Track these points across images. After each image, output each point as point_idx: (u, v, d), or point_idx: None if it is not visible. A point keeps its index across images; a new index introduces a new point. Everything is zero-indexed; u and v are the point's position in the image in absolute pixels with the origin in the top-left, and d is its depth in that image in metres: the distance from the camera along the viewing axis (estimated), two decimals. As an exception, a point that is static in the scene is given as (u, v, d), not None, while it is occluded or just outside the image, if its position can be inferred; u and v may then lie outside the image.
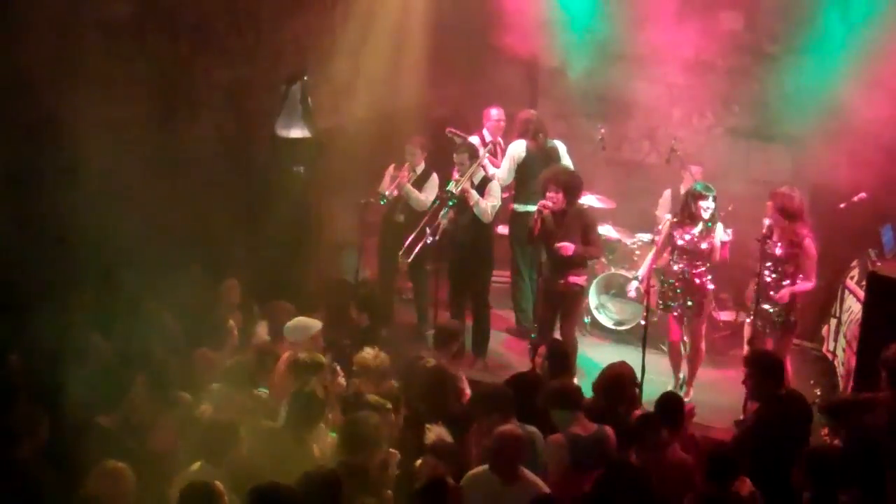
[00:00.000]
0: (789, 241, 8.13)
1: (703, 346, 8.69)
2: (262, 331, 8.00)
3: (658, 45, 10.66)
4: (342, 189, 10.15)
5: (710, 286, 8.54)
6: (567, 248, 8.37)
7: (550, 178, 8.61)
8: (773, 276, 8.18)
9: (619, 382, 6.84)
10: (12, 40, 7.26)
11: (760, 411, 6.74)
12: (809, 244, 8.14)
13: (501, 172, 9.48)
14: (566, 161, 9.56)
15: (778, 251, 8.14)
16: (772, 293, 8.17)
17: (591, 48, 11.04)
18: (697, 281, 8.44)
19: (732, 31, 10.69)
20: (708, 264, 8.45)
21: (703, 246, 8.40)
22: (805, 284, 8.18)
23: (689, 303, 8.48)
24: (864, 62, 9.61)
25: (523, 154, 9.45)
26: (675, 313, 8.59)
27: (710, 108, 10.96)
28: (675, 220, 8.57)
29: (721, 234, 8.46)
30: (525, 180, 9.48)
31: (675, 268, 8.49)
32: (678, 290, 8.49)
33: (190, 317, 7.73)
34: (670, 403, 6.46)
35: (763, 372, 6.69)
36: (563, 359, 7.25)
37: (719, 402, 8.44)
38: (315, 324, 7.42)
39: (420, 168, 9.54)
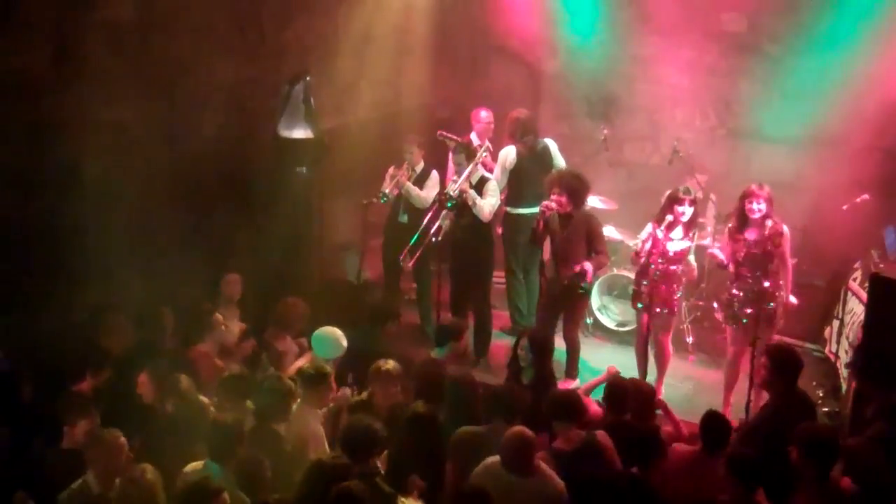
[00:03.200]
0: (770, 234, 8.07)
1: (669, 347, 8.60)
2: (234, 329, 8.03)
3: (660, 46, 10.67)
4: (345, 190, 10.16)
5: (677, 296, 8.47)
6: (588, 272, 8.31)
7: (555, 180, 8.59)
8: (757, 271, 8.14)
9: (619, 392, 6.82)
10: (13, 40, 7.26)
11: (769, 405, 6.75)
12: (786, 230, 8.09)
13: (495, 179, 9.43)
14: (559, 161, 9.52)
15: (756, 250, 8.11)
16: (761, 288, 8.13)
17: (593, 49, 11.05)
18: (672, 284, 8.37)
19: (734, 33, 10.69)
20: (680, 270, 8.39)
21: (680, 249, 8.32)
22: (788, 272, 8.14)
23: (660, 310, 8.39)
24: (865, 63, 9.61)
25: (514, 160, 9.42)
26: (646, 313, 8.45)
27: (713, 109, 10.96)
28: (657, 224, 8.46)
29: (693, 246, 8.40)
30: (518, 185, 9.44)
31: (652, 268, 8.36)
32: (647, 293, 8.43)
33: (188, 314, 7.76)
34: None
35: (779, 367, 6.68)
36: (543, 346, 7.30)
37: (719, 403, 8.42)
38: (343, 342, 7.40)
39: (419, 167, 9.52)
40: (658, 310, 8.35)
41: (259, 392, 6.39)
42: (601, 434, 6.22)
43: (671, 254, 8.28)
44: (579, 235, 8.48)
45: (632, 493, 5.52)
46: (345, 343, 7.43)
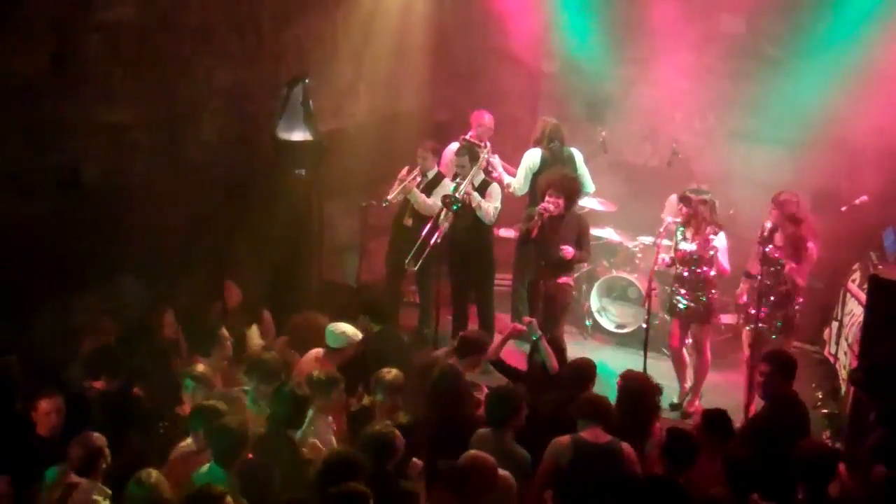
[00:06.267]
0: (793, 245, 8.13)
1: (708, 352, 8.67)
2: (254, 335, 8.02)
3: (659, 48, 10.66)
4: (343, 192, 10.15)
5: (714, 291, 8.51)
6: (568, 251, 8.47)
7: (552, 182, 8.62)
8: (771, 279, 8.17)
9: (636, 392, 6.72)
10: (13, 42, 7.25)
11: (767, 411, 6.74)
12: (812, 248, 8.16)
13: (517, 182, 9.44)
14: (582, 170, 9.50)
15: (777, 255, 8.15)
16: (772, 297, 8.18)
17: (591, 51, 11.05)
18: (701, 285, 8.43)
19: (733, 34, 10.69)
20: (712, 270, 8.43)
21: (707, 249, 8.40)
22: (798, 279, 8.20)
23: (692, 304, 8.47)
24: (864, 65, 9.62)
25: (538, 163, 9.40)
26: (680, 317, 8.58)
27: (712, 111, 10.96)
28: (677, 225, 8.56)
29: (721, 242, 8.44)
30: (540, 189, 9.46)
31: (680, 273, 8.48)
32: (683, 295, 8.49)
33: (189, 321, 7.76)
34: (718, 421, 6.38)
35: (783, 372, 6.71)
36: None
37: (720, 405, 8.38)
38: (357, 335, 7.42)
39: (432, 172, 9.47)
40: (692, 304, 8.46)
41: (275, 398, 6.32)
42: (626, 444, 6.15)
43: (689, 256, 8.38)
44: (570, 236, 8.59)
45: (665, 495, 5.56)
46: (354, 338, 7.41)
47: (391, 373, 6.69)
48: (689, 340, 8.75)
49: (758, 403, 7.35)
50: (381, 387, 6.67)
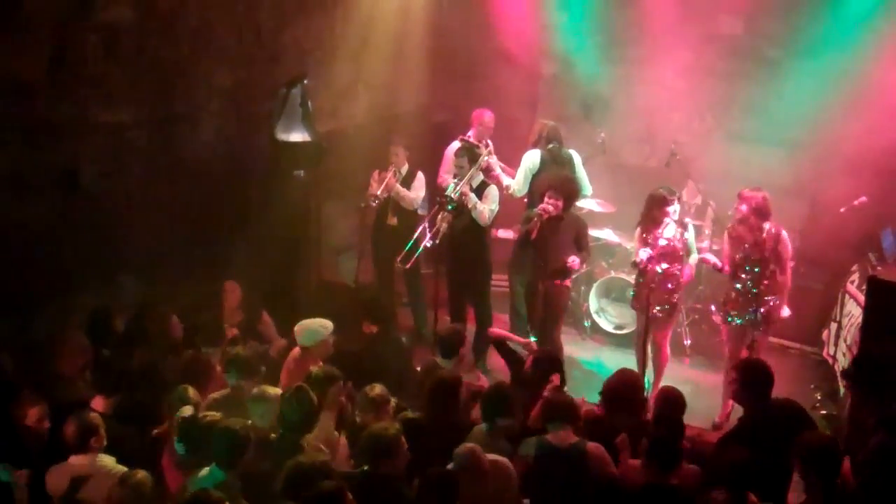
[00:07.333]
0: (764, 238, 8.12)
1: (667, 349, 8.64)
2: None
3: (657, 48, 10.67)
4: (342, 193, 10.16)
5: (676, 296, 8.50)
6: (575, 263, 8.50)
7: (551, 183, 8.63)
8: (753, 274, 8.18)
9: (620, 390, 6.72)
10: (12, 43, 7.25)
11: (744, 418, 6.67)
12: (785, 235, 8.17)
13: (517, 184, 9.43)
14: (580, 172, 9.51)
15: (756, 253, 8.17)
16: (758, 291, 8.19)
17: (590, 51, 11.06)
18: (670, 285, 8.41)
19: (732, 35, 10.70)
20: (680, 266, 8.46)
21: (678, 245, 8.41)
22: (786, 279, 8.21)
23: (658, 309, 8.44)
24: (863, 65, 9.62)
25: (538, 164, 9.40)
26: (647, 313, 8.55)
27: (710, 112, 10.96)
28: (641, 227, 8.51)
29: (692, 240, 8.52)
30: (539, 190, 9.45)
31: (652, 270, 8.43)
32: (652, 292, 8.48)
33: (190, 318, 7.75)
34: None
35: (747, 382, 6.54)
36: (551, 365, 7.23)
37: (717, 405, 8.43)
38: (327, 325, 7.41)
39: (405, 168, 9.55)
40: (656, 310, 8.38)
41: (292, 402, 6.19)
42: (593, 445, 6.12)
43: (670, 247, 8.34)
44: (569, 237, 8.60)
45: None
46: (325, 332, 7.39)
47: (374, 389, 6.55)
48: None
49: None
50: (367, 403, 6.53)
